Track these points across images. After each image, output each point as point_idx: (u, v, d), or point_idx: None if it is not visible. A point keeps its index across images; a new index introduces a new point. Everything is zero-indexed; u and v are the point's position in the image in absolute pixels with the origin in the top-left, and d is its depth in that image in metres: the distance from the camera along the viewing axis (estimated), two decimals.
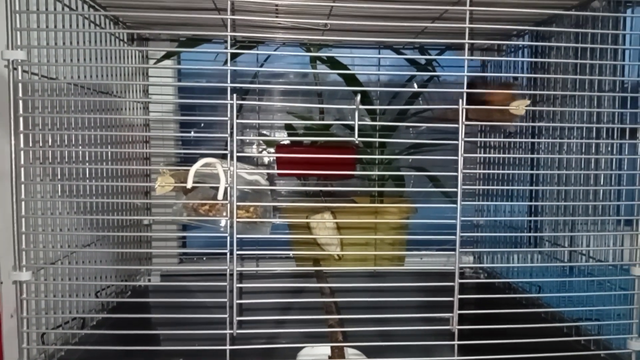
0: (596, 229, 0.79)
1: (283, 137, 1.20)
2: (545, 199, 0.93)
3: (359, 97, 0.59)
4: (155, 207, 1.04)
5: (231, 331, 0.61)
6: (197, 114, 1.19)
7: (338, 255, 1.02)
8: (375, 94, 1.21)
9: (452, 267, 0.63)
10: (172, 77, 1.15)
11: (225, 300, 0.60)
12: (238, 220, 0.59)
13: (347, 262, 1.06)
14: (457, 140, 0.60)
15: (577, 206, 0.82)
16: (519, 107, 0.61)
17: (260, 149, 1.18)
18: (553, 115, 0.87)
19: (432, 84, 1.18)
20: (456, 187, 0.61)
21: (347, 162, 0.98)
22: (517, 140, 0.99)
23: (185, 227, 1.20)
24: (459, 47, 1.20)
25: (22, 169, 0.60)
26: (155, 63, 1.00)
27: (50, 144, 0.66)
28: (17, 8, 0.59)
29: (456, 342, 0.64)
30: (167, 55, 1.03)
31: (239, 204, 0.60)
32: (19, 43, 0.59)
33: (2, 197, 0.67)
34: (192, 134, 1.20)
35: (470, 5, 0.61)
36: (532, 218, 0.95)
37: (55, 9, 0.67)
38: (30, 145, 0.61)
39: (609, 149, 0.77)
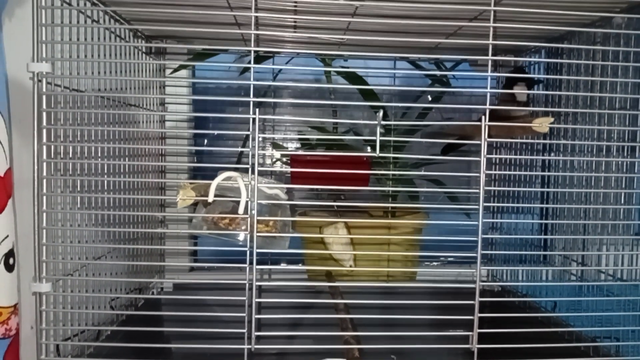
0: (617, 248, 0.78)
1: (300, 151, 1.19)
2: (563, 216, 0.92)
3: (381, 113, 0.59)
4: (170, 219, 1.04)
5: (249, 346, 0.60)
6: (209, 127, 1.19)
7: (350, 266, 1.01)
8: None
9: (469, 284, 0.63)
10: (187, 87, 1.15)
11: (244, 314, 0.60)
12: (258, 234, 0.59)
13: (359, 277, 1.05)
14: (472, 155, 0.60)
15: (596, 224, 0.81)
16: (542, 124, 0.60)
17: (273, 160, 1.18)
18: (564, 132, 0.87)
19: (446, 97, 1.18)
20: (469, 201, 0.61)
21: (362, 176, 0.98)
22: (530, 157, 0.98)
23: (196, 239, 1.20)
24: (473, 62, 1.19)
25: (44, 181, 0.60)
26: (171, 73, 1.00)
27: (71, 155, 0.66)
28: (43, 21, 0.59)
29: None
30: (184, 66, 1.04)
31: (259, 218, 0.60)
32: (44, 55, 0.60)
33: (22, 208, 0.68)
34: (206, 144, 1.20)
35: (493, 22, 0.61)
36: (556, 237, 0.94)
37: (77, 22, 0.68)
38: (52, 157, 0.61)
39: (628, 166, 0.77)
